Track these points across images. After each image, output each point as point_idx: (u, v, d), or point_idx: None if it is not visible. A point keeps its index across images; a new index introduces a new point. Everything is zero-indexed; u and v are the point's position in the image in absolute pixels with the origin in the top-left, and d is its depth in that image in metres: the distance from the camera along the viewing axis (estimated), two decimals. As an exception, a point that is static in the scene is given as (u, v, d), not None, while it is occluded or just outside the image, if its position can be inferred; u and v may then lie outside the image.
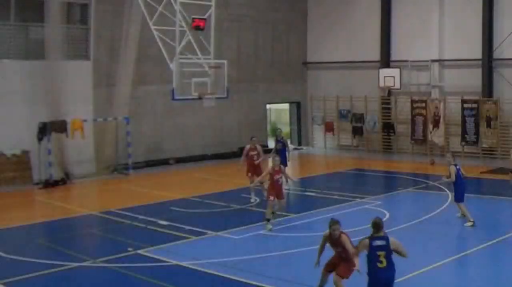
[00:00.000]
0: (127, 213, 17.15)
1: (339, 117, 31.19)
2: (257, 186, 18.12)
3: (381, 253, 8.63)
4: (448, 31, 27.62)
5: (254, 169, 18.59)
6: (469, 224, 15.26)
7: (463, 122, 26.65)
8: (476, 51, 26.43)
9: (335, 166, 25.45)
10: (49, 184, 22.15)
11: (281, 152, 19.89)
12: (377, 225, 8.83)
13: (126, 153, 24.84)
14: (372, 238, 8.80)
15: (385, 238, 8.78)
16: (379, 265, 8.64)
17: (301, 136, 33.26)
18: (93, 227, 16.48)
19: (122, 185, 22.55)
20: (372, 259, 8.66)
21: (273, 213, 15.64)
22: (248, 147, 18.87)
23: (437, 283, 11.12)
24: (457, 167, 15.58)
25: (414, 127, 28.35)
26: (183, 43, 19.82)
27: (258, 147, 18.98)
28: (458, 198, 15.61)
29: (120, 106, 24.84)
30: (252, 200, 18.36)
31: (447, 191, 19.37)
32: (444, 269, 11.80)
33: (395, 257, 9.03)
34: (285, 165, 19.23)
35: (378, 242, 8.70)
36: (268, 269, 12.06)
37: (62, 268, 12.41)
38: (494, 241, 13.58)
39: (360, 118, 30.36)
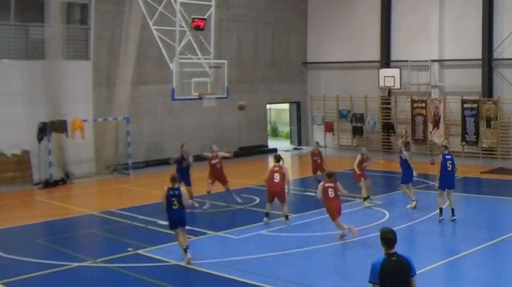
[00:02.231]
0: (127, 213, 17.15)
1: (339, 117, 31.20)
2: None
3: (175, 199, 12.54)
4: (448, 31, 27.63)
5: (216, 176, 18.00)
6: (412, 204, 17.25)
7: (463, 122, 26.67)
8: (476, 51, 26.44)
9: (335, 166, 25.40)
10: (49, 184, 22.16)
11: (185, 171, 17.87)
12: (173, 179, 12.76)
13: (126, 153, 24.84)
14: (168, 189, 12.59)
15: (178, 189, 12.69)
16: (173, 207, 12.55)
17: (301, 136, 33.26)
18: (93, 227, 16.47)
19: (122, 185, 22.54)
20: (169, 203, 12.54)
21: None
22: (209, 155, 18.18)
23: (437, 283, 11.13)
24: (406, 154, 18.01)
25: (414, 127, 28.37)
26: (183, 43, 19.81)
27: (220, 154, 18.33)
28: (405, 180, 17.73)
29: (120, 106, 24.85)
30: (205, 207, 17.68)
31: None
32: (444, 269, 11.80)
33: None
34: (189, 185, 17.69)
35: (172, 192, 12.58)
36: (268, 269, 12.05)
37: (62, 268, 12.41)
38: (494, 241, 13.58)
39: (360, 118, 30.37)
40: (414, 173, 18.01)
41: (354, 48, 30.60)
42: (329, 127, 31.59)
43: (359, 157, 18.65)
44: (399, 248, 13.82)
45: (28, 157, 22.69)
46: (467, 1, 26.88)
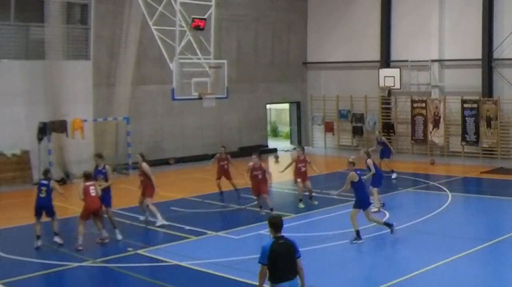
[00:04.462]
0: (127, 213, 17.14)
1: (339, 117, 31.20)
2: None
3: (43, 188, 14.06)
4: (448, 31, 27.63)
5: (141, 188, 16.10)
6: (375, 209, 16.54)
7: (463, 122, 26.66)
8: (476, 51, 26.43)
9: (335, 166, 25.42)
10: (49, 184, 22.13)
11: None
12: (46, 172, 14.55)
13: (126, 153, 24.83)
14: (40, 180, 14.32)
15: (49, 180, 14.26)
16: (41, 195, 14.04)
17: (301, 136, 33.26)
18: (93, 227, 16.43)
19: (122, 185, 22.51)
20: (38, 192, 14.04)
21: None
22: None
23: (437, 283, 11.12)
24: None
25: (414, 127, 28.36)
26: (183, 43, 19.81)
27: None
28: (376, 184, 17.04)
29: (120, 106, 24.84)
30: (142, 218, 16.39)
31: (447, 191, 19.40)
32: (444, 269, 11.80)
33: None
34: (110, 206, 15.30)
35: (44, 182, 14.14)
36: (268, 269, 12.03)
37: (62, 268, 12.42)
38: (494, 241, 13.59)
39: (360, 118, 30.37)
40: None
41: (354, 48, 30.59)
42: (329, 127, 31.59)
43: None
44: (399, 248, 13.81)
45: (28, 157, 22.68)
46: (467, 1, 26.87)
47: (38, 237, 13.95)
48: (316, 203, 18.01)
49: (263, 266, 7.85)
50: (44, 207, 14.15)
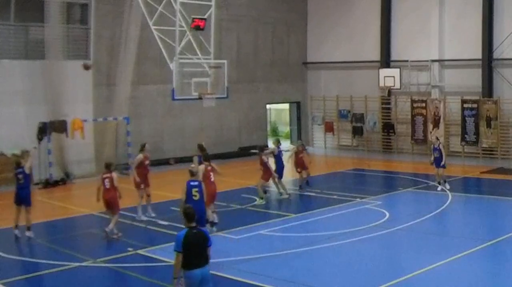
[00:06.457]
0: (127, 213, 17.10)
1: (339, 117, 31.20)
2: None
3: (21, 176, 14.90)
4: (448, 31, 27.63)
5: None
6: (286, 196, 18.78)
7: (463, 122, 26.66)
8: (476, 51, 26.44)
9: (335, 166, 25.43)
10: (49, 184, 22.14)
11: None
12: (17, 164, 15.27)
13: (126, 153, 24.82)
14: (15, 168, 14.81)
15: (22, 168, 14.98)
16: (19, 182, 14.80)
17: (301, 136, 33.21)
18: (93, 227, 16.45)
19: (122, 185, 22.43)
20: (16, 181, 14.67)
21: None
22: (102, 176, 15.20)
23: (437, 283, 11.12)
24: (279, 150, 19.55)
25: (414, 127, 28.37)
26: (183, 43, 19.80)
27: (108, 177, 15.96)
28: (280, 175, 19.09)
29: (120, 106, 24.84)
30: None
31: (447, 191, 19.38)
32: (444, 269, 11.80)
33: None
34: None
35: (18, 171, 14.94)
36: (268, 269, 12.05)
37: (62, 268, 12.41)
38: (494, 241, 13.59)
39: (360, 118, 30.37)
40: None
41: (354, 48, 30.59)
42: (329, 127, 31.59)
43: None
44: (400, 248, 13.81)
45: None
46: (467, 1, 26.88)
47: (17, 226, 14.71)
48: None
49: (178, 253, 8.36)
50: (20, 195, 14.87)
